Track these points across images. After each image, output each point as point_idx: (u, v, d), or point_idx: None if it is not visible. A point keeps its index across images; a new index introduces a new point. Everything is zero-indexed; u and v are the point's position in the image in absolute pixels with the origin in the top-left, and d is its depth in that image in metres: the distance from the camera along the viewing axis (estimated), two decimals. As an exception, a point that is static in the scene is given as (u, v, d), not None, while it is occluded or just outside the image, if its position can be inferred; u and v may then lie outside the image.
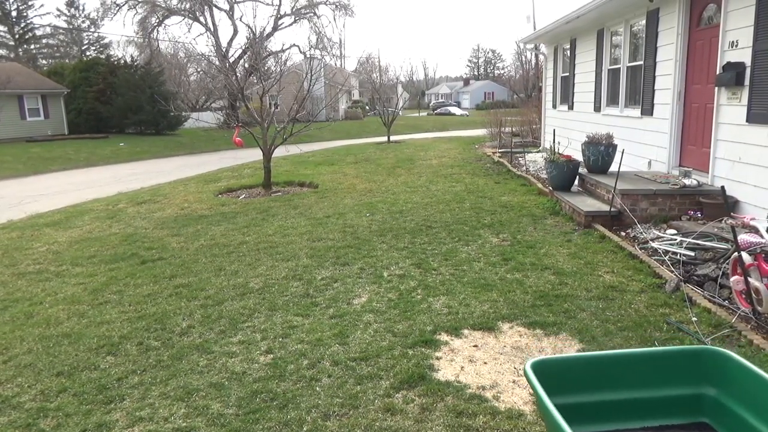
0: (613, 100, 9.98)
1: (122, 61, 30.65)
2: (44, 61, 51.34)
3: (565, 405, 1.77)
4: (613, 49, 10.10)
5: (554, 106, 13.85)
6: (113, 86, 27.96)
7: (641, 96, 8.61)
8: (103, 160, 20.62)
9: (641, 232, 6.12)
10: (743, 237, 4.13)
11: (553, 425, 1.78)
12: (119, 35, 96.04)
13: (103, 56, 37.61)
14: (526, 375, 2.07)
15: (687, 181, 6.61)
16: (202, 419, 3.06)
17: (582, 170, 8.14)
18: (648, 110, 8.31)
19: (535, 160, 12.63)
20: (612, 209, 6.63)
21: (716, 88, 6.48)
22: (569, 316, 4.17)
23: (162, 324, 4.40)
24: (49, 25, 54.95)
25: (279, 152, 12.31)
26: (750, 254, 3.99)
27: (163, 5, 31.63)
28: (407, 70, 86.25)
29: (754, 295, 3.89)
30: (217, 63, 15.47)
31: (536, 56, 21.66)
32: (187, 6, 31.28)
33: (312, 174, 12.50)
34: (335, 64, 39.77)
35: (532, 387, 1.94)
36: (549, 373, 2.07)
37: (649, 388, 2.08)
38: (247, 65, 15.62)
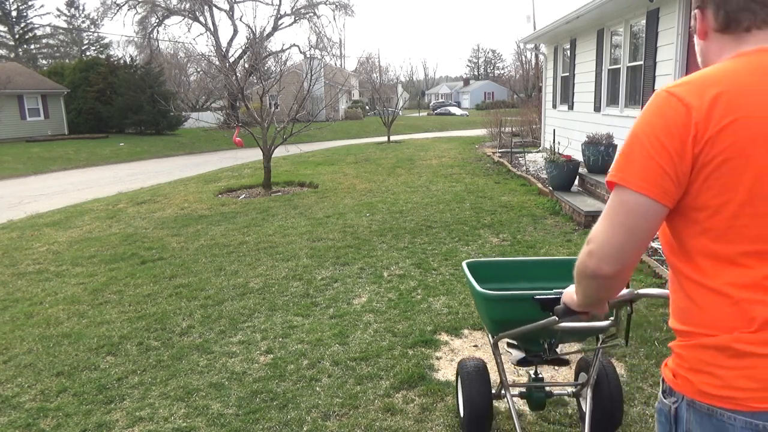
0: (613, 100, 9.98)
1: (122, 61, 30.65)
2: (44, 61, 51.35)
3: (489, 289, 2.43)
4: (613, 49, 10.10)
5: (554, 106, 13.85)
6: (113, 86, 27.95)
7: (641, 96, 8.61)
8: (103, 160, 20.62)
9: (641, 232, 6.12)
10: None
11: (473, 291, 2.45)
12: (119, 35, 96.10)
13: (103, 56, 37.64)
14: (462, 268, 2.69)
15: (687, 181, 6.61)
16: (202, 419, 3.06)
17: (582, 170, 8.14)
18: (648, 110, 8.30)
19: (535, 160, 12.63)
20: (612, 209, 6.62)
21: (716, 88, 6.47)
22: (569, 316, 4.17)
23: (162, 324, 4.40)
24: (49, 25, 55.01)
25: (279, 152, 12.32)
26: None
27: (163, 5, 31.64)
28: (407, 70, 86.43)
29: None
30: (217, 63, 15.47)
31: (536, 56, 21.66)
32: (187, 6, 31.29)
33: (312, 174, 12.50)
34: (335, 64, 39.80)
35: (466, 276, 2.57)
36: (479, 268, 2.72)
37: (553, 282, 2.60)
38: (247, 65, 15.62)
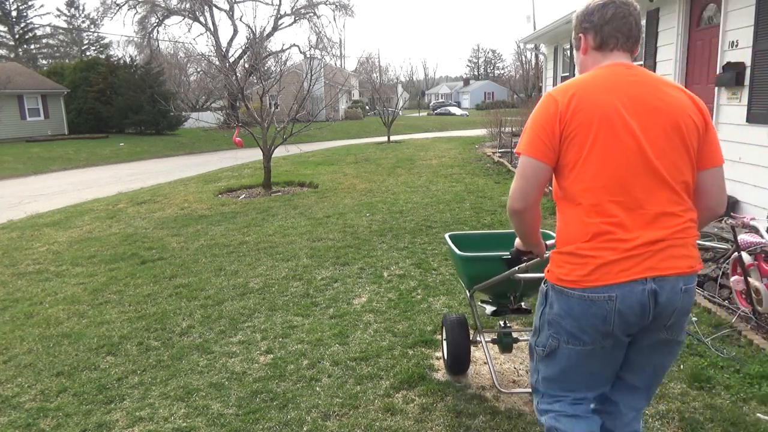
0: (613, 100, 9.99)
1: (122, 61, 30.65)
2: (44, 61, 51.35)
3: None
4: (613, 49, 10.10)
5: (554, 106, 13.84)
6: (113, 86, 27.96)
7: (641, 96, 8.61)
8: (103, 160, 20.62)
9: (641, 232, 6.12)
10: (743, 237, 4.13)
11: (453, 255, 3.11)
12: (119, 35, 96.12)
13: (103, 56, 37.65)
14: (444, 240, 3.32)
15: (687, 181, 6.60)
16: (202, 419, 3.06)
17: (582, 170, 8.15)
18: (648, 110, 8.31)
19: (535, 160, 12.61)
20: (612, 209, 6.62)
21: (716, 88, 6.48)
22: (569, 316, 4.17)
23: (162, 324, 4.40)
24: (49, 25, 54.99)
25: (279, 152, 12.32)
26: (750, 254, 3.99)
27: (163, 5, 31.63)
28: (407, 70, 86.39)
29: (754, 295, 3.89)
30: (217, 63, 15.46)
31: (536, 56, 21.65)
32: (187, 6, 31.28)
33: (312, 174, 12.50)
34: (335, 64, 39.78)
35: (448, 244, 3.20)
36: (458, 239, 3.32)
37: None
38: (247, 65, 15.61)
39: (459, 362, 3.32)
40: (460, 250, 3.07)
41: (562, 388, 1.91)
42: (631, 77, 1.81)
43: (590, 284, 1.73)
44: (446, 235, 3.31)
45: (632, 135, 1.72)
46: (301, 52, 28.39)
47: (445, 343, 3.40)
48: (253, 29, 25.65)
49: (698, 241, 1.87)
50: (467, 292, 3.22)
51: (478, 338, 3.29)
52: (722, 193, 1.88)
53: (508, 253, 2.38)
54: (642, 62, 8.50)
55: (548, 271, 1.87)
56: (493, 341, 3.25)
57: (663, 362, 1.90)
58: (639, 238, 1.70)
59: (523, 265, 2.39)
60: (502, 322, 3.30)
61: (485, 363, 3.52)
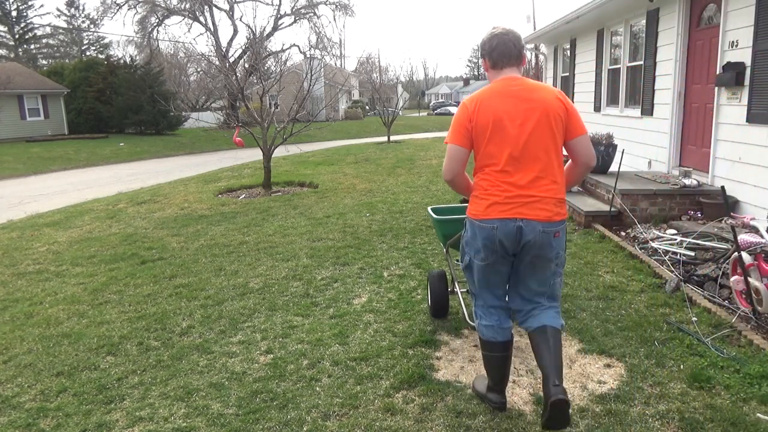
0: (613, 100, 9.99)
1: (122, 61, 30.65)
2: (44, 61, 51.36)
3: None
4: (613, 49, 10.10)
5: (554, 106, 13.83)
6: (113, 86, 27.96)
7: (641, 96, 8.61)
8: (103, 160, 20.63)
9: (641, 232, 6.12)
10: (743, 237, 4.13)
11: (432, 219, 4.02)
12: (119, 35, 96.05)
13: (102, 56, 37.64)
14: (427, 212, 4.32)
15: (687, 181, 6.60)
16: (202, 419, 3.06)
17: (582, 170, 8.14)
18: (648, 110, 8.31)
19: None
20: (612, 209, 6.63)
21: (716, 88, 6.48)
22: (569, 316, 4.17)
23: (162, 324, 4.40)
24: (49, 25, 54.98)
25: (279, 152, 12.32)
26: (750, 254, 3.99)
27: (163, 5, 31.63)
28: (407, 70, 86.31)
29: (754, 295, 3.89)
30: (217, 63, 15.46)
31: (536, 56, 21.63)
32: (187, 6, 31.27)
33: (312, 174, 12.50)
34: (335, 64, 39.78)
35: (429, 215, 4.13)
36: (438, 210, 4.24)
37: None
38: (247, 65, 15.60)
39: (440, 308, 4.17)
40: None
41: (480, 290, 2.87)
42: (514, 87, 2.67)
43: (484, 217, 2.65)
44: (429, 209, 4.22)
45: (514, 127, 2.60)
46: (301, 52, 28.40)
47: (429, 293, 4.21)
48: (253, 29, 25.64)
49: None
50: (444, 249, 4.16)
51: (455, 289, 4.19)
52: (589, 152, 2.73)
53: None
54: (642, 62, 8.51)
55: (467, 209, 2.80)
56: (467, 291, 3.41)
57: (543, 274, 2.73)
58: (516, 192, 2.60)
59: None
60: None
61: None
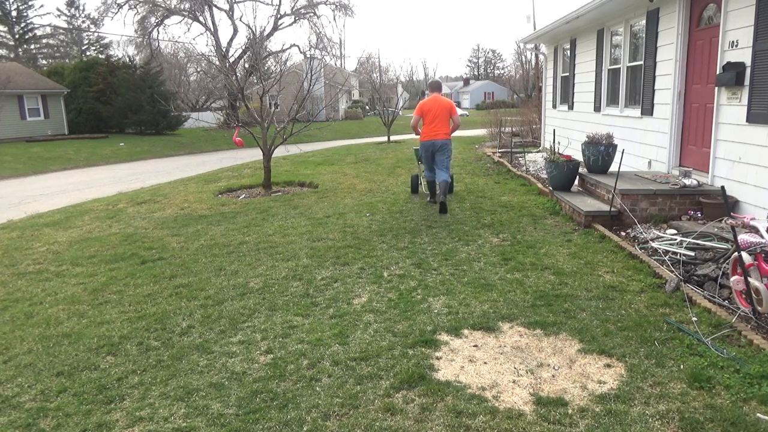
0: (613, 100, 9.98)
1: (122, 61, 30.64)
2: (44, 61, 51.36)
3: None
4: (613, 49, 10.10)
5: (554, 106, 13.85)
6: (113, 86, 27.96)
7: (641, 96, 8.61)
8: (103, 160, 20.63)
9: (641, 232, 6.12)
10: (743, 237, 4.13)
11: (415, 151, 9.44)
12: (119, 35, 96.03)
13: (102, 56, 37.63)
14: (412, 150, 11.09)
15: (687, 181, 6.60)
16: (202, 419, 3.06)
17: (582, 170, 8.14)
18: (648, 110, 8.31)
19: (535, 160, 12.63)
20: (612, 209, 6.63)
21: (716, 88, 6.48)
22: (569, 316, 4.17)
23: (162, 324, 4.40)
24: (49, 25, 54.99)
25: (279, 152, 12.32)
26: (750, 254, 3.99)
27: (163, 5, 31.64)
28: (407, 70, 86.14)
29: (754, 295, 3.89)
30: (217, 63, 15.46)
31: (536, 56, 21.64)
32: (187, 6, 31.28)
33: (312, 174, 12.50)
34: (335, 64, 39.78)
35: (415, 153, 9.45)
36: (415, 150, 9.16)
37: None
38: (247, 65, 15.61)
39: (413, 187, 9.43)
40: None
41: (425, 166, 8.49)
42: (438, 99, 8.15)
43: (423, 140, 8.17)
44: (414, 149, 8.53)
45: (436, 112, 8.06)
46: (301, 52, 28.41)
47: (410, 182, 9.60)
48: (253, 29, 25.64)
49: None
50: (418, 163, 9.21)
51: (420, 180, 9.36)
52: (456, 120, 8.35)
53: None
54: (642, 62, 8.51)
55: (419, 140, 8.34)
56: (426, 182, 8.79)
57: (441, 158, 8.05)
58: (433, 132, 8.07)
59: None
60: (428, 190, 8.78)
61: (485, 363, 3.53)
